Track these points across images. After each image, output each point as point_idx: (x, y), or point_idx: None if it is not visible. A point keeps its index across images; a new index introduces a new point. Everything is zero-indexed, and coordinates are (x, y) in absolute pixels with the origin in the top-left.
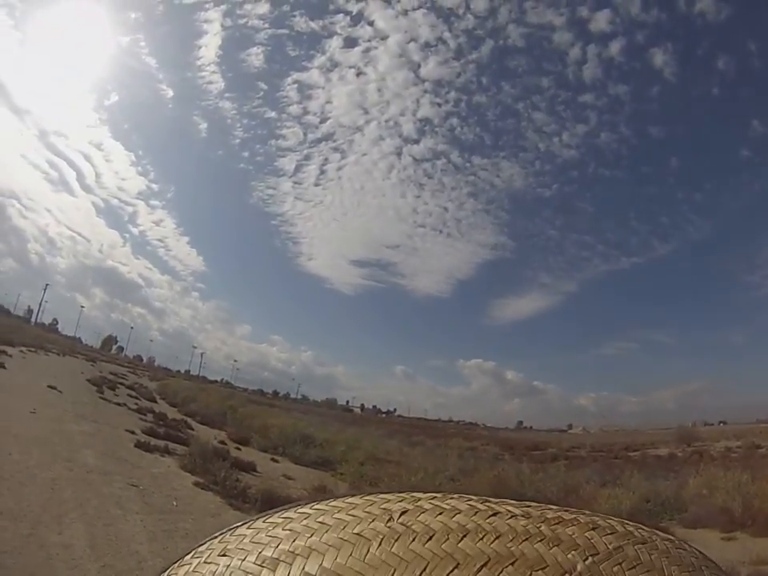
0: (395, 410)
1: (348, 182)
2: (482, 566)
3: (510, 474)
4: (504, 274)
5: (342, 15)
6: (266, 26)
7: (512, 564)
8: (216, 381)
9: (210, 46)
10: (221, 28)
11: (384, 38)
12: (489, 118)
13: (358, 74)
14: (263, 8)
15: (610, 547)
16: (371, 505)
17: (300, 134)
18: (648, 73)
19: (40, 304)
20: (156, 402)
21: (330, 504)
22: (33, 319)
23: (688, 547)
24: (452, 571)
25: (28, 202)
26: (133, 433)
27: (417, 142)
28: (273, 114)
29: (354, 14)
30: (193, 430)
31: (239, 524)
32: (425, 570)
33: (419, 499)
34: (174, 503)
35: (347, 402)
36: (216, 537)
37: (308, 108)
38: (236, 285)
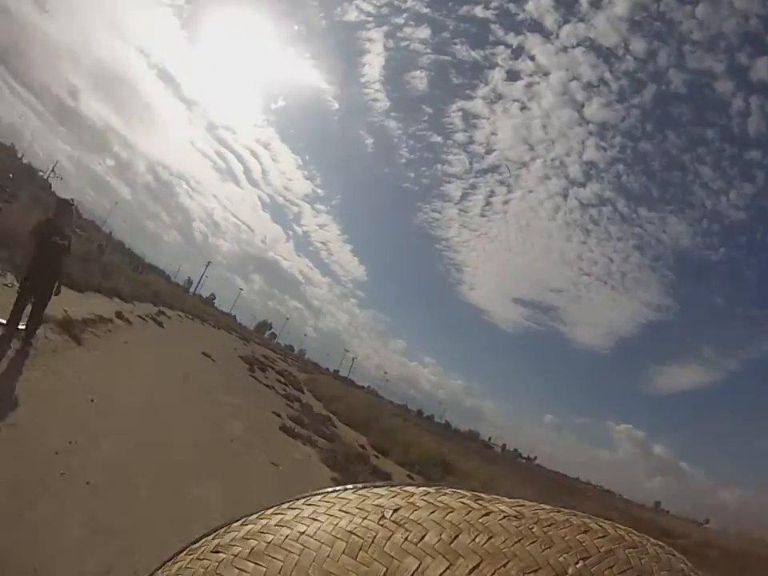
0: (536, 457)
1: (513, 218)
2: (474, 567)
3: None
4: (667, 338)
5: (502, 47)
6: (428, 50)
7: (504, 565)
8: (363, 386)
9: (373, 65)
10: (383, 48)
11: (546, 73)
12: (655, 168)
13: (522, 108)
14: (424, 33)
15: (601, 550)
16: (364, 501)
17: (466, 163)
18: None
19: (200, 278)
20: (303, 392)
21: (323, 499)
22: (191, 290)
23: (677, 554)
24: (444, 571)
25: (195, 184)
26: (279, 416)
27: (583, 185)
28: (438, 139)
29: (514, 47)
30: (336, 427)
31: (232, 520)
32: (417, 568)
33: (412, 494)
34: (310, 491)
35: (489, 438)
36: (210, 533)
37: (474, 137)
38: (395, 300)
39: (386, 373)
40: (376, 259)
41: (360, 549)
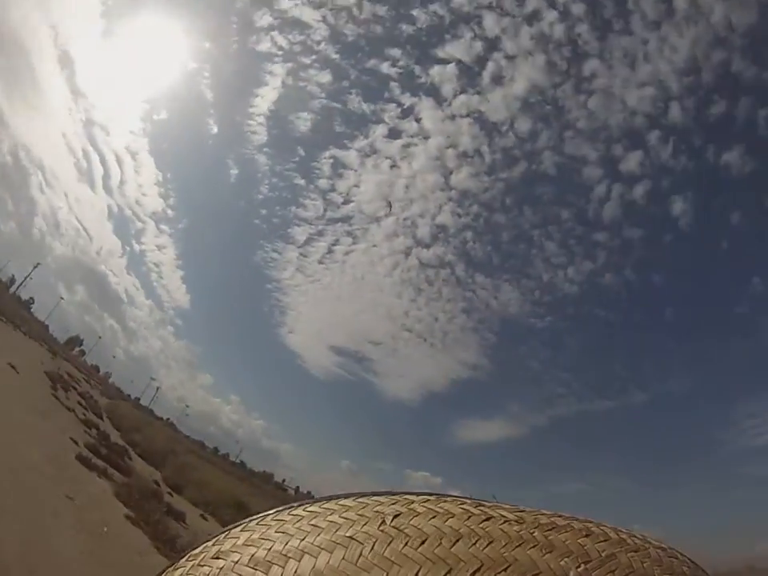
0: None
1: (351, 269)
2: (474, 572)
3: None
4: (476, 395)
5: (394, 105)
6: (323, 95)
7: (504, 570)
8: (161, 418)
9: (266, 98)
10: (281, 84)
11: (426, 137)
12: (502, 239)
13: (392, 166)
14: (325, 77)
15: (602, 554)
16: (364, 507)
17: (320, 209)
18: (665, 219)
19: (25, 278)
20: (102, 419)
21: (323, 506)
22: (12, 289)
23: (680, 556)
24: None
25: (51, 179)
26: (76, 443)
27: (428, 246)
28: (301, 182)
29: (405, 106)
30: (131, 459)
31: (232, 526)
32: (417, 574)
33: (412, 502)
34: (105, 529)
35: (283, 480)
36: (210, 540)
37: (335, 186)
38: (212, 334)
39: (187, 406)
40: (204, 290)
41: (360, 555)
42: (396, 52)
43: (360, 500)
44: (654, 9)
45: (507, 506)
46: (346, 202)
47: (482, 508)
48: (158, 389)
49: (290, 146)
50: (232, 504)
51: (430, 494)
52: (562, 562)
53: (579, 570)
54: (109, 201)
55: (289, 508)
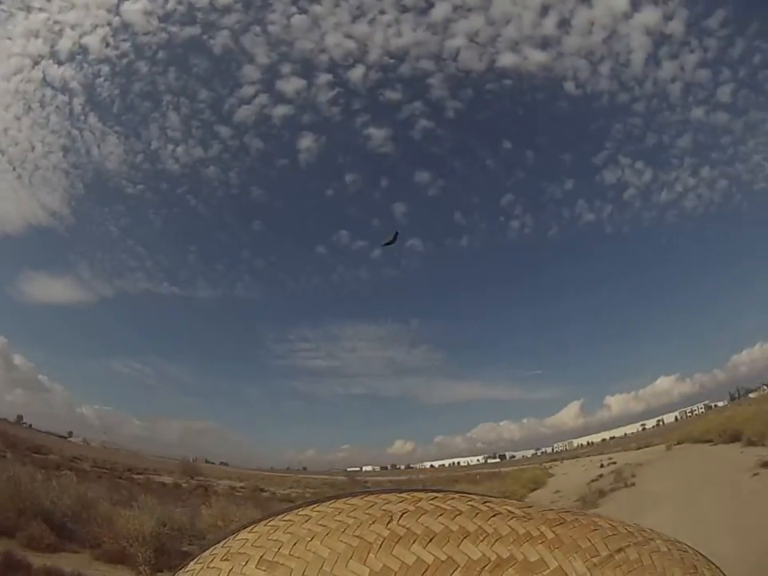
0: None
1: None
2: (483, 569)
3: (25, 479)
4: (49, 247)
5: None
6: None
7: (513, 566)
8: None
9: None
10: None
11: None
12: (132, 90)
13: None
14: None
15: (611, 549)
16: (372, 506)
17: None
18: (290, 145)
19: None
20: None
21: (332, 506)
22: None
23: (690, 549)
24: (453, 573)
25: None
26: None
27: (60, 63)
28: None
29: None
30: None
31: (240, 528)
32: (425, 572)
33: (420, 500)
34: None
35: None
36: (219, 542)
37: None
38: None
39: None
40: None
41: (369, 553)
42: None
43: (368, 498)
44: None
45: (515, 503)
46: None
47: (489, 504)
48: None
49: None
50: None
51: (438, 491)
52: (570, 558)
53: (588, 565)
54: None
55: (297, 508)
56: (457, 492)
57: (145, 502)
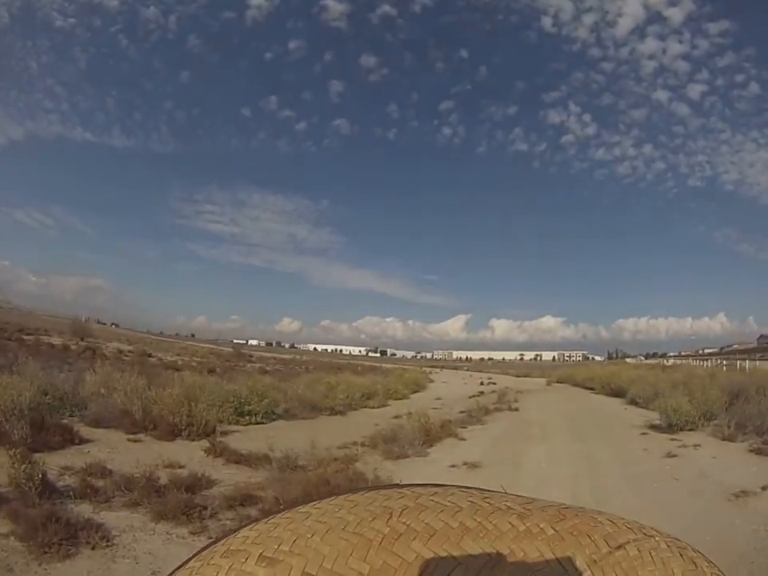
0: None
1: None
2: (483, 565)
3: None
4: None
5: None
6: None
7: (512, 563)
8: None
9: None
10: None
11: None
12: None
13: None
14: None
15: (611, 546)
16: (372, 503)
17: None
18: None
19: None
20: None
21: (332, 503)
22: None
23: (689, 547)
24: (453, 570)
25: None
26: None
27: None
28: None
29: None
30: None
31: (241, 525)
32: (426, 569)
33: (420, 495)
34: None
35: None
36: (220, 540)
37: None
38: None
39: None
40: None
41: (369, 550)
42: None
43: (368, 495)
44: None
45: (516, 498)
46: None
47: (489, 500)
48: None
49: None
50: None
51: (438, 486)
52: (570, 554)
53: (587, 561)
54: None
55: (297, 506)
56: (457, 487)
57: (25, 367)
